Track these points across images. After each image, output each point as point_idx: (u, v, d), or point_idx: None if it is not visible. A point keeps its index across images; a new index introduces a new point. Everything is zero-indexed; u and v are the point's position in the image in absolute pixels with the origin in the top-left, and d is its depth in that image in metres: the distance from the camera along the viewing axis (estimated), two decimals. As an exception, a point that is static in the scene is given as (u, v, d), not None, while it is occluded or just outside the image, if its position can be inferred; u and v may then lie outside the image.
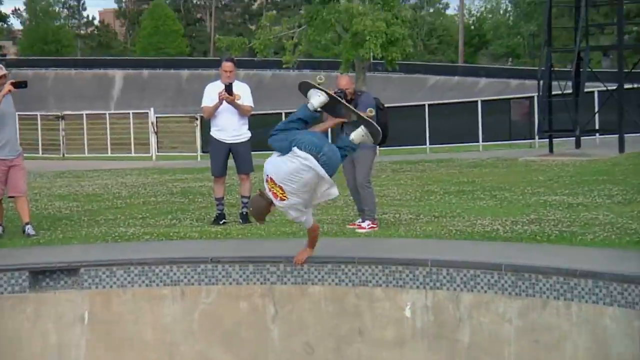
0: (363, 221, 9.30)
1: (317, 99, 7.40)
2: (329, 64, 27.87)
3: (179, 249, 8.40)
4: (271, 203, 7.11)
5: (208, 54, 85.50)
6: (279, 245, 8.40)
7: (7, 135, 9.47)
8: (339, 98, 7.61)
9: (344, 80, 9.21)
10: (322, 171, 7.02)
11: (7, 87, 9.36)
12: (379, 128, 7.46)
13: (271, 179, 7.05)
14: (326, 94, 7.44)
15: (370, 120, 7.49)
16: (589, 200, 11.13)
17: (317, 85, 7.49)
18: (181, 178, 17.32)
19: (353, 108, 7.77)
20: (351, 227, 9.35)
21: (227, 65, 9.95)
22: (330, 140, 7.67)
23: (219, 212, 10.16)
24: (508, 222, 9.37)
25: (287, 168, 7.00)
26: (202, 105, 10.15)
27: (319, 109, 7.47)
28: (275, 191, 7.03)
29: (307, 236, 7.56)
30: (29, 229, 9.52)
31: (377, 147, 9.44)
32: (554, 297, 6.82)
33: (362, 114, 7.55)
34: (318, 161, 7.00)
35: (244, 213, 10.02)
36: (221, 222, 9.99)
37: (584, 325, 6.70)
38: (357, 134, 7.44)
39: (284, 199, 7.02)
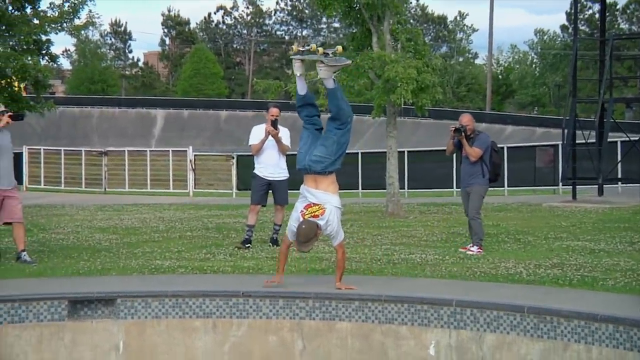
0: (473, 246, 10.76)
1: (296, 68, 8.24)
2: (362, 109, 28.16)
3: (212, 283, 8.63)
4: (317, 226, 7.74)
5: (246, 96, 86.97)
6: (309, 281, 8.62)
7: (4, 167, 9.94)
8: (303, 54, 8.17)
9: (466, 118, 10.92)
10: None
11: (5, 119, 9.90)
12: (321, 58, 8.14)
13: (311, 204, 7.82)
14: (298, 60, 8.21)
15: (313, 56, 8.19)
16: (611, 246, 11.25)
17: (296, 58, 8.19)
18: (216, 214, 17.64)
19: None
20: (462, 250, 10.74)
21: (275, 110, 11.21)
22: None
23: (247, 236, 11.34)
24: (531, 265, 9.54)
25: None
26: (250, 144, 11.46)
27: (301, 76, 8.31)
28: (315, 212, 7.75)
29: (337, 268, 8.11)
30: (24, 256, 9.90)
31: (489, 183, 10.98)
32: (575, 341, 6.94)
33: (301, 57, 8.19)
34: (309, 171, 7.86)
35: (274, 238, 11.18)
36: (247, 246, 11.11)
37: (604, 368, 6.78)
38: (322, 71, 8.18)
39: (324, 212, 7.77)
